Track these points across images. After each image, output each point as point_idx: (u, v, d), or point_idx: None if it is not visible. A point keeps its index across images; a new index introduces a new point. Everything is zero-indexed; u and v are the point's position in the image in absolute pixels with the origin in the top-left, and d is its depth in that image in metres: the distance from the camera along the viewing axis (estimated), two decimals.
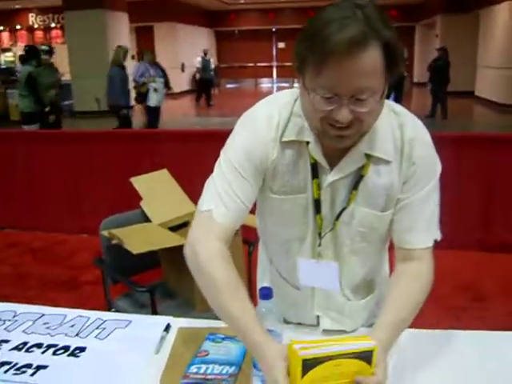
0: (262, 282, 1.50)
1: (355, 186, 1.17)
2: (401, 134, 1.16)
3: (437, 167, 1.21)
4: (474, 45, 15.01)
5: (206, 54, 15.83)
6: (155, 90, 8.53)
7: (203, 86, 15.64)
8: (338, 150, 1.14)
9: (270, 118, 1.17)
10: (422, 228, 1.21)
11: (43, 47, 7.34)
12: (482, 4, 14.29)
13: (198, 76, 16.04)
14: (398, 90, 10.94)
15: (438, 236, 1.23)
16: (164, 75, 9.15)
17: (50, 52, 7.19)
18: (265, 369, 0.99)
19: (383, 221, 1.22)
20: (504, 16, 12.88)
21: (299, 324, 1.39)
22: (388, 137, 1.16)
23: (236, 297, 1.08)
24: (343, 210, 1.20)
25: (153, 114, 8.77)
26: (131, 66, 9.46)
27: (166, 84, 9.19)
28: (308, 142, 1.16)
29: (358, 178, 1.17)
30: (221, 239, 1.16)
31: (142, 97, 8.74)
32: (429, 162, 1.19)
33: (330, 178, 1.17)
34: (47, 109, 6.71)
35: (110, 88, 7.70)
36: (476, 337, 1.31)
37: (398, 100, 11.27)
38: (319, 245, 1.25)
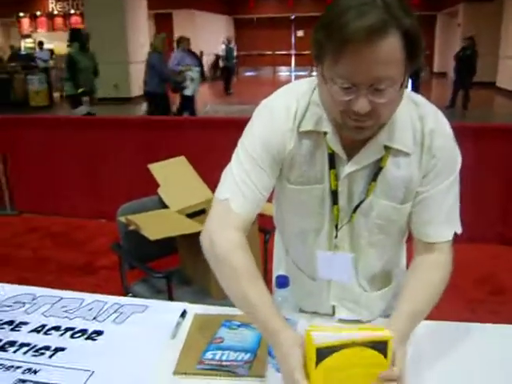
0: (277, 271, 1.50)
1: (374, 177, 1.16)
2: (421, 125, 1.14)
3: (458, 160, 1.19)
4: (496, 35, 14.73)
5: (229, 42, 15.53)
6: (192, 79, 8.37)
7: (227, 74, 15.33)
8: (357, 140, 1.12)
9: (288, 107, 1.16)
10: (442, 221, 1.19)
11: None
12: None
13: (221, 64, 15.79)
14: (414, 79, 10.78)
15: (458, 229, 1.22)
16: (200, 64, 9.01)
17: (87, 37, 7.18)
18: (280, 356, 0.99)
19: (402, 213, 1.21)
20: None
21: (314, 313, 1.39)
22: (408, 128, 1.14)
23: (254, 285, 1.08)
24: (361, 202, 1.19)
25: (188, 102, 8.61)
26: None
27: (202, 73, 9.03)
28: (326, 133, 1.15)
29: (377, 169, 1.15)
30: (238, 229, 1.16)
31: (177, 85, 8.52)
32: (450, 155, 1.16)
33: (347, 169, 1.16)
34: (80, 90, 6.70)
35: (149, 75, 7.56)
36: (492, 330, 1.30)
37: (415, 89, 11.14)
38: (336, 236, 1.25)
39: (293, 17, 23.59)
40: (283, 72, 24.19)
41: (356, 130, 1.05)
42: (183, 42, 8.83)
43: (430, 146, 1.14)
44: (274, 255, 1.55)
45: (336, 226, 1.23)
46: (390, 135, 1.13)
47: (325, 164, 1.18)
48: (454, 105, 11.01)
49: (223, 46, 15.55)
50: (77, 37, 6.81)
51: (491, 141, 3.84)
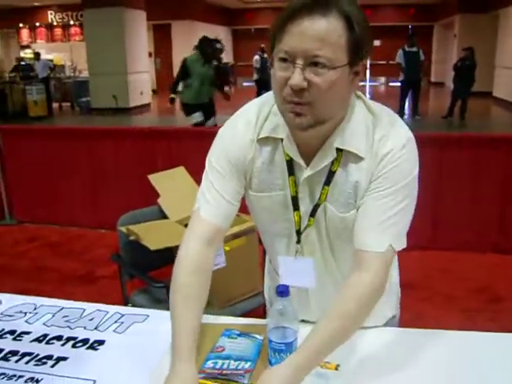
0: (266, 280, 1.55)
1: (327, 182, 1.18)
2: (373, 133, 1.15)
3: (408, 170, 1.14)
4: (492, 45, 14.82)
5: (263, 52, 13.63)
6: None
7: (262, 87, 13.40)
8: (312, 146, 1.15)
9: (249, 120, 1.21)
10: (375, 229, 1.14)
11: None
12: (501, 4, 14.12)
13: (255, 76, 13.97)
14: (414, 90, 10.87)
15: (399, 244, 1.16)
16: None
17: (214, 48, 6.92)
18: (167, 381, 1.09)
19: (350, 221, 1.19)
20: None
21: (302, 321, 1.39)
22: (362, 134, 1.15)
23: (185, 304, 1.19)
24: (316, 206, 1.21)
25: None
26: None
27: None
28: (282, 139, 1.18)
29: (329, 173, 1.17)
30: (202, 238, 1.23)
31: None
32: (398, 163, 1.13)
33: (305, 173, 1.18)
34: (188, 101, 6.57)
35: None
36: (490, 338, 1.32)
37: (414, 100, 11.20)
38: (298, 241, 1.27)
39: None
40: None
41: (294, 116, 1.07)
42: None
43: (377, 153, 1.14)
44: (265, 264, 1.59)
45: (297, 232, 1.26)
46: (343, 138, 1.15)
47: (284, 171, 1.21)
48: (452, 114, 11.07)
49: (257, 57, 13.94)
50: (201, 45, 6.55)
51: (488, 151, 3.87)
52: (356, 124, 1.15)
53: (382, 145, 1.13)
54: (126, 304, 2.31)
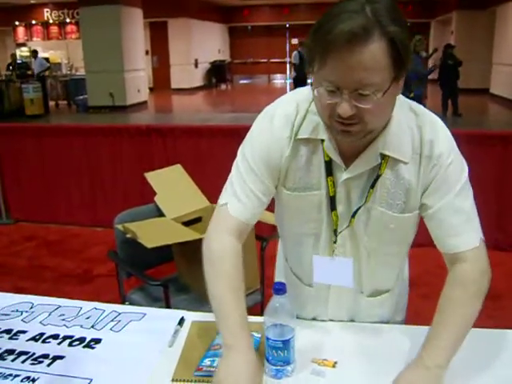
0: (278, 278, 1.52)
1: (372, 184, 1.17)
2: (420, 135, 1.15)
3: (462, 167, 1.18)
4: (489, 42, 14.83)
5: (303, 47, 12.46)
6: None
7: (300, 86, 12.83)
8: (354, 148, 1.14)
9: (287, 115, 1.18)
10: (463, 229, 1.17)
11: None
12: (499, 0, 14.12)
13: (293, 74, 13.37)
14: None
15: (481, 234, 1.20)
16: None
17: None
18: (223, 367, 1.09)
19: (402, 222, 1.21)
20: None
21: (313, 319, 1.40)
22: (406, 137, 1.14)
23: (233, 293, 1.16)
24: (359, 207, 1.20)
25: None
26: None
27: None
28: (323, 140, 1.16)
29: (375, 176, 1.17)
30: (233, 234, 1.20)
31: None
32: (451, 163, 1.15)
33: (344, 175, 1.17)
34: None
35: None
36: (487, 335, 1.31)
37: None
38: (335, 242, 1.26)
39: (287, 25, 23.68)
40: (278, 80, 24.26)
41: (343, 134, 1.07)
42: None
43: (429, 156, 1.14)
44: (276, 263, 1.57)
45: (335, 231, 1.25)
46: (387, 143, 1.14)
47: (322, 171, 1.19)
48: (446, 112, 11.05)
49: (296, 53, 13.01)
50: None
51: (483, 147, 3.87)
52: (399, 127, 1.14)
53: (434, 147, 1.14)
54: (123, 302, 2.30)
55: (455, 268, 1.18)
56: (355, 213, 1.21)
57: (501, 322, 1.46)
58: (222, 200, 1.24)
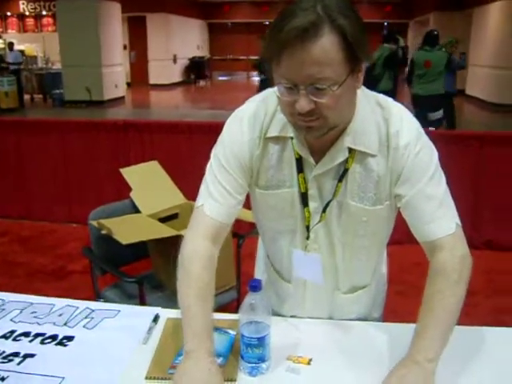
0: (257, 275, 1.53)
1: (340, 178, 1.19)
2: (386, 127, 1.16)
3: (431, 153, 1.18)
4: (466, 43, 15.03)
5: None
6: None
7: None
8: (322, 144, 1.15)
9: (256, 116, 1.20)
10: (437, 216, 1.16)
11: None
12: (476, 2, 14.33)
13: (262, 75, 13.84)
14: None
15: (457, 220, 1.20)
16: None
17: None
18: (181, 369, 1.08)
19: (374, 215, 1.22)
20: (497, 15, 12.92)
21: (292, 317, 1.40)
22: (372, 130, 1.16)
23: (201, 300, 1.16)
24: (329, 202, 1.21)
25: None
26: None
27: None
28: (292, 137, 1.18)
29: (343, 171, 1.18)
30: (208, 237, 1.22)
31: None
32: (419, 150, 1.15)
33: (314, 171, 1.19)
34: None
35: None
36: (463, 332, 1.33)
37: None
38: (307, 237, 1.27)
39: (267, 22, 23.69)
40: (257, 77, 24.24)
41: (306, 130, 1.08)
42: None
43: (396, 147, 1.15)
44: (256, 260, 1.58)
45: (307, 227, 1.25)
46: (353, 138, 1.15)
47: (293, 168, 1.21)
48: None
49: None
50: (392, 36, 7.35)
51: (459, 147, 3.92)
52: (365, 120, 1.15)
53: (400, 138, 1.14)
54: (97, 299, 2.27)
55: (435, 258, 1.18)
56: (325, 208, 1.22)
57: (477, 319, 1.48)
58: (198, 202, 1.25)
